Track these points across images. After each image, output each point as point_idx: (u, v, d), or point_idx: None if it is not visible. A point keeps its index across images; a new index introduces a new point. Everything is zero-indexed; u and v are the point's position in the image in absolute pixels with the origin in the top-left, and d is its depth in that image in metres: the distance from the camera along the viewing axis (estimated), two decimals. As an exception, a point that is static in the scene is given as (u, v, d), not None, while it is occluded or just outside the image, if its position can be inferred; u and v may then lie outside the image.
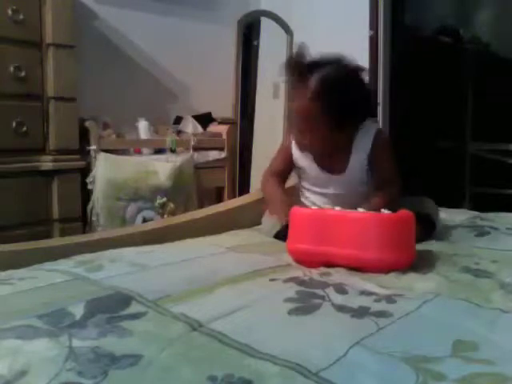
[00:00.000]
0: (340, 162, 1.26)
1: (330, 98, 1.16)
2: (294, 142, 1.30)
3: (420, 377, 0.54)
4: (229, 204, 1.59)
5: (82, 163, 1.99)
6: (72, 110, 1.95)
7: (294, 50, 1.29)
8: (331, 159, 1.26)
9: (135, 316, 0.70)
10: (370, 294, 0.80)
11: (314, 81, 1.17)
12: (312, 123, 1.18)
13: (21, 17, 1.80)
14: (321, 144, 1.21)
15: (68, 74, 1.92)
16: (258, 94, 2.83)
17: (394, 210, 0.99)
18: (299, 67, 1.20)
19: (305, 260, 1.00)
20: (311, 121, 1.18)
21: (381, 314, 0.71)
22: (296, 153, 1.31)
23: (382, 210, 1.00)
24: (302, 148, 1.27)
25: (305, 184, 1.35)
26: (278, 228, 1.25)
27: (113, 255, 1.04)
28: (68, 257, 1.04)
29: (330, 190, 1.29)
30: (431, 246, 1.13)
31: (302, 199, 1.37)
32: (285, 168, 1.36)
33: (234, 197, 2.42)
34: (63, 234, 1.88)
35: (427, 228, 1.22)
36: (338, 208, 1.02)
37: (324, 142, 1.21)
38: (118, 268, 0.95)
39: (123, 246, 1.14)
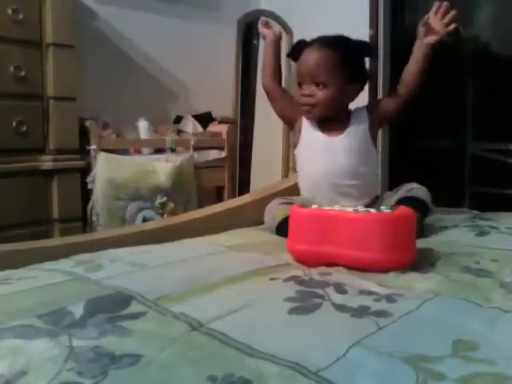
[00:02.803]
0: (339, 128, 1.33)
1: (342, 49, 1.29)
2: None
3: (420, 376, 0.54)
4: (229, 204, 1.58)
5: (82, 163, 1.99)
6: (72, 110, 1.95)
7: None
8: (331, 126, 1.33)
9: (135, 316, 0.70)
10: (369, 293, 0.80)
11: (324, 38, 1.31)
12: (326, 75, 1.27)
13: (21, 17, 1.80)
14: (330, 101, 1.28)
15: (68, 74, 1.92)
16: (258, 94, 2.83)
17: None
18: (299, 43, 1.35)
19: (305, 260, 0.99)
20: (325, 73, 1.27)
21: (381, 314, 0.71)
22: (305, 124, 1.36)
23: (382, 208, 0.99)
24: (308, 111, 1.31)
25: (303, 163, 1.39)
26: (280, 218, 1.26)
27: (112, 255, 1.04)
28: (68, 257, 1.04)
29: (330, 162, 1.31)
30: (431, 245, 1.13)
31: (302, 192, 1.40)
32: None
33: (234, 196, 2.42)
34: (63, 233, 1.88)
35: (422, 212, 1.25)
36: (337, 207, 1.02)
37: (333, 100, 1.29)
38: (117, 268, 0.95)
39: (123, 245, 1.14)
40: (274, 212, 1.32)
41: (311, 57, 1.29)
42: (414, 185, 1.35)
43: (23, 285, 0.85)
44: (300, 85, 1.31)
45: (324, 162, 1.32)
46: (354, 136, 1.32)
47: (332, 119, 1.32)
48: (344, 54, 1.29)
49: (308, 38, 1.36)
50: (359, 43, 1.37)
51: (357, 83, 1.33)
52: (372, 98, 2.43)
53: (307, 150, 1.37)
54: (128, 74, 2.44)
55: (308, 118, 1.34)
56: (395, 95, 1.36)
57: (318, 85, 1.28)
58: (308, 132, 1.36)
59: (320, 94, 1.28)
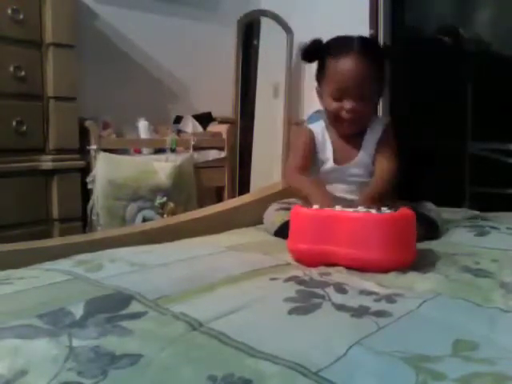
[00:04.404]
0: (352, 151, 1.30)
1: (378, 58, 1.26)
2: (316, 130, 1.33)
3: (420, 376, 0.54)
4: (228, 204, 1.58)
5: (81, 163, 1.99)
6: (72, 110, 1.95)
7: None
8: (344, 149, 1.31)
9: (135, 315, 0.70)
10: (369, 293, 0.80)
11: (362, 44, 1.22)
12: (369, 88, 1.22)
13: (21, 16, 1.80)
14: (370, 114, 1.27)
15: (68, 74, 1.92)
16: (258, 94, 2.83)
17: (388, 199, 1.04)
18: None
19: (305, 260, 1.00)
20: (369, 85, 1.22)
21: (381, 314, 0.71)
22: (319, 145, 1.33)
23: (383, 208, 1.00)
24: (350, 127, 1.26)
25: (317, 173, 1.37)
26: (278, 224, 1.26)
27: (112, 255, 1.04)
28: (68, 257, 1.04)
29: (340, 179, 1.31)
30: (431, 245, 1.13)
31: None
32: (308, 160, 1.34)
33: (234, 196, 2.42)
34: (63, 233, 1.88)
35: (431, 231, 1.23)
36: (338, 207, 1.02)
37: (371, 112, 1.27)
38: (117, 267, 0.95)
39: (123, 245, 1.14)
40: (272, 218, 1.32)
41: (357, 70, 1.20)
42: (432, 206, 1.33)
43: (23, 285, 0.85)
44: (337, 96, 1.23)
45: (333, 180, 1.31)
46: (362, 162, 1.29)
47: (349, 138, 1.30)
48: (379, 63, 1.25)
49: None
50: (384, 48, 1.37)
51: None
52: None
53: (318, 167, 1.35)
54: (128, 74, 2.45)
55: (349, 132, 1.29)
56: (382, 163, 1.28)
57: (360, 99, 1.22)
58: (323, 153, 1.33)
59: (363, 108, 1.23)
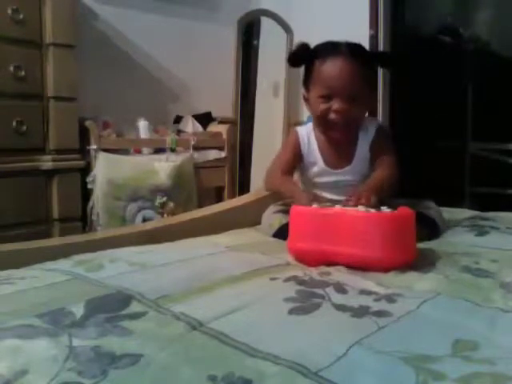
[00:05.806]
0: (345, 157, 1.29)
1: (369, 61, 1.25)
2: (303, 135, 1.32)
3: (420, 376, 0.53)
4: (229, 204, 1.58)
5: (82, 163, 1.99)
6: (72, 110, 1.95)
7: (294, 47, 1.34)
8: (336, 154, 1.29)
9: (135, 315, 0.70)
10: (369, 293, 0.80)
11: (350, 46, 1.21)
12: (362, 89, 1.21)
13: (21, 16, 1.80)
14: (360, 119, 1.25)
15: (68, 74, 1.92)
16: (258, 94, 2.83)
17: (388, 197, 1.04)
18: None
19: (305, 259, 1.00)
20: (361, 87, 1.21)
21: (381, 314, 0.71)
22: (305, 148, 1.32)
23: (383, 208, 1.00)
24: (340, 129, 1.24)
25: (307, 179, 1.36)
26: (276, 227, 1.26)
27: (112, 255, 1.04)
28: (68, 257, 1.04)
29: (333, 185, 1.30)
30: (431, 245, 1.13)
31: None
32: (292, 164, 1.34)
33: (234, 196, 2.42)
34: (63, 233, 1.88)
35: (432, 232, 1.23)
36: (338, 206, 1.02)
37: (363, 117, 1.26)
38: (117, 267, 0.95)
39: (123, 245, 1.14)
40: (269, 221, 1.32)
41: (347, 69, 1.19)
42: (432, 204, 1.32)
43: (23, 285, 0.85)
44: (325, 97, 1.21)
45: (325, 186, 1.30)
46: (357, 168, 1.28)
47: (340, 144, 1.28)
48: (370, 66, 1.25)
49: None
50: (379, 54, 1.36)
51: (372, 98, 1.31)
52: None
53: (308, 173, 1.35)
54: (128, 74, 2.45)
55: (340, 137, 1.26)
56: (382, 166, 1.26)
57: (350, 100, 1.19)
58: (309, 156, 1.32)
59: (354, 111, 1.20)
